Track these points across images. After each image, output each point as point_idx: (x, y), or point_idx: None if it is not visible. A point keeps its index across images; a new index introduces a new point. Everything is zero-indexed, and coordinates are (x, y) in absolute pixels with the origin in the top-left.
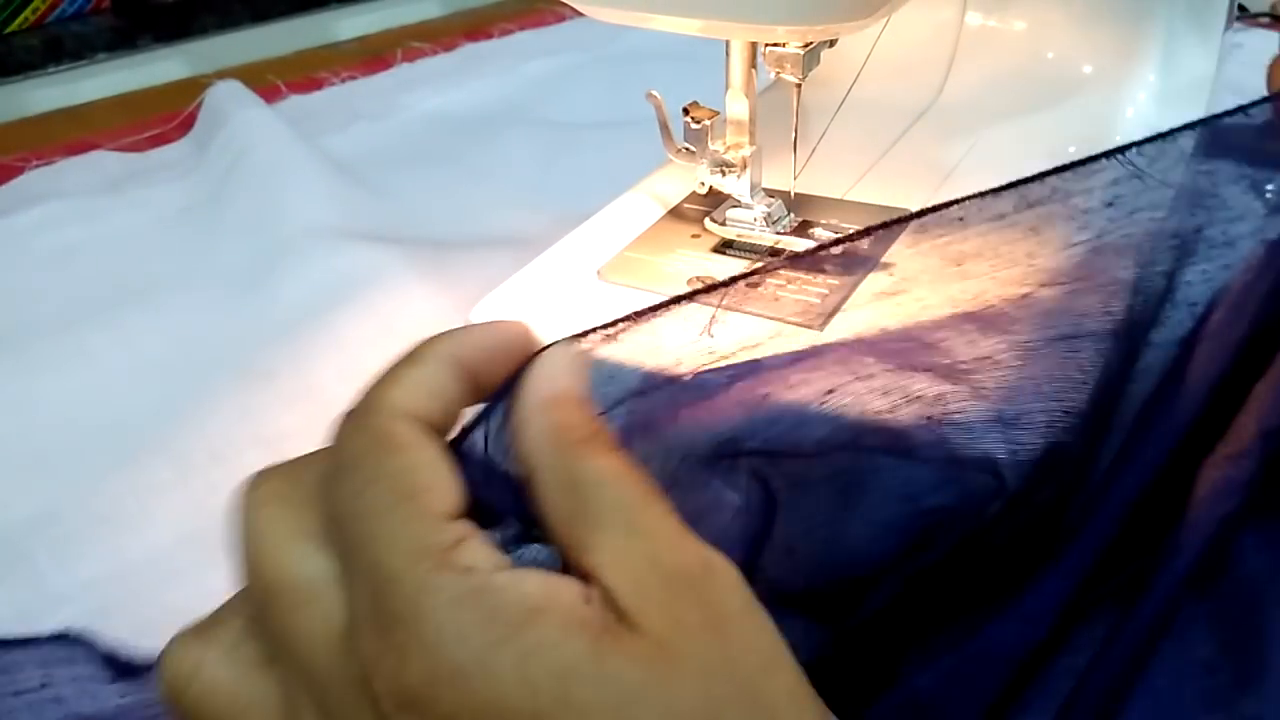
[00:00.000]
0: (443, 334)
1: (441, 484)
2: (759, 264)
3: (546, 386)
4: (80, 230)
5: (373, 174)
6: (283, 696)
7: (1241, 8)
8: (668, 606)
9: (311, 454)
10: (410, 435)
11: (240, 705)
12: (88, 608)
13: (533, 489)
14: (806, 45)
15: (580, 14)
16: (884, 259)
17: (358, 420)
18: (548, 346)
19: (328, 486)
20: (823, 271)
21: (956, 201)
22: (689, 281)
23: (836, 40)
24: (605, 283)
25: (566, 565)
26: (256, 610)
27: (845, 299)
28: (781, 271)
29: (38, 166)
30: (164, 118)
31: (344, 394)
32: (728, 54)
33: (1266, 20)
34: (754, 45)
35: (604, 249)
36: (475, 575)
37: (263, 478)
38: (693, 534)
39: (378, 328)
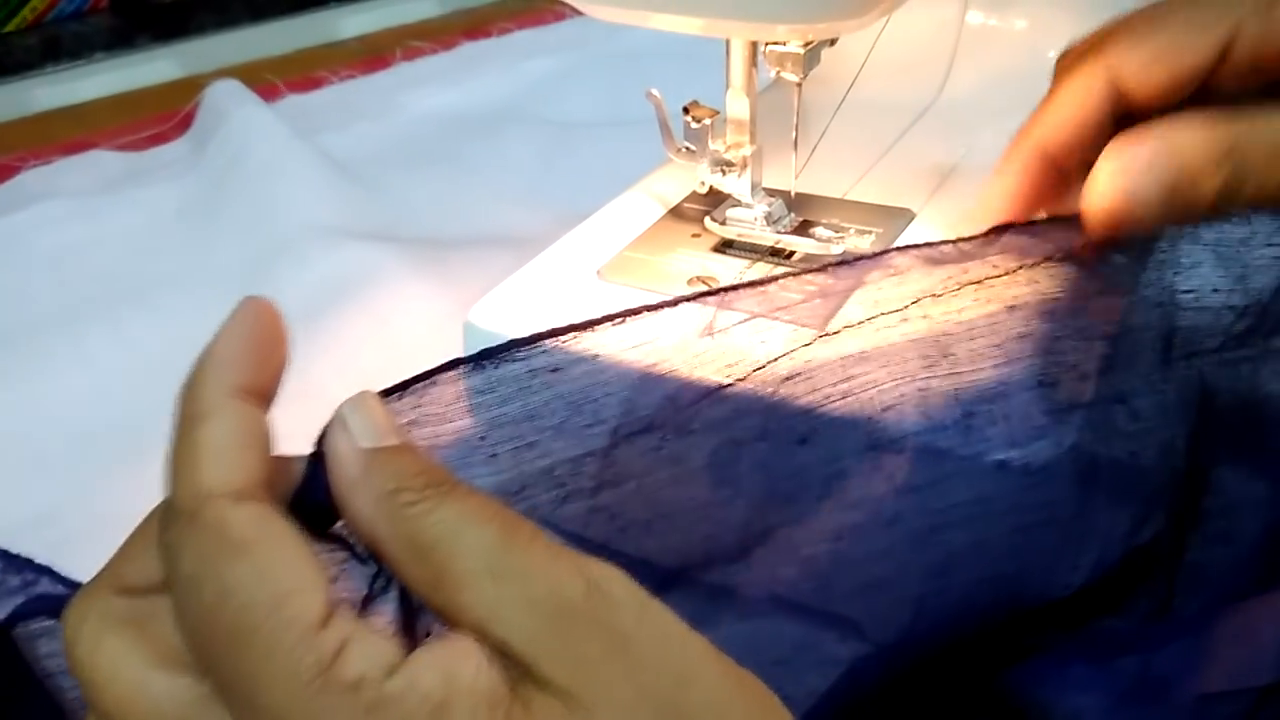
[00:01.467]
0: (201, 368)
1: (302, 579)
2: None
3: (352, 458)
4: (78, 229)
5: (371, 173)
6: None
7: None
8: (563, 646)
9: (127, 549)
10: (249, 525)
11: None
12: None
13: (385, 562)
14: (807, 44)
15: (580, 13)
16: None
17: (182, 521)
18: (342, 406)
19: (174, 602)
20: (823, 271)
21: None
22: (689, 282)
23: (837, 39)
24: (605, 282)
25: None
26: None
27: (846, 298)
28: (779, 270)
29: (36, 166)
30: (162, 117)
31: (341, 393)
32: (728, 53)
33: None
34: (754, 44)
35: (604, 248)
36: (366, 689)
37: (88, 600)
38: (566, 551)
39: (376, 327)
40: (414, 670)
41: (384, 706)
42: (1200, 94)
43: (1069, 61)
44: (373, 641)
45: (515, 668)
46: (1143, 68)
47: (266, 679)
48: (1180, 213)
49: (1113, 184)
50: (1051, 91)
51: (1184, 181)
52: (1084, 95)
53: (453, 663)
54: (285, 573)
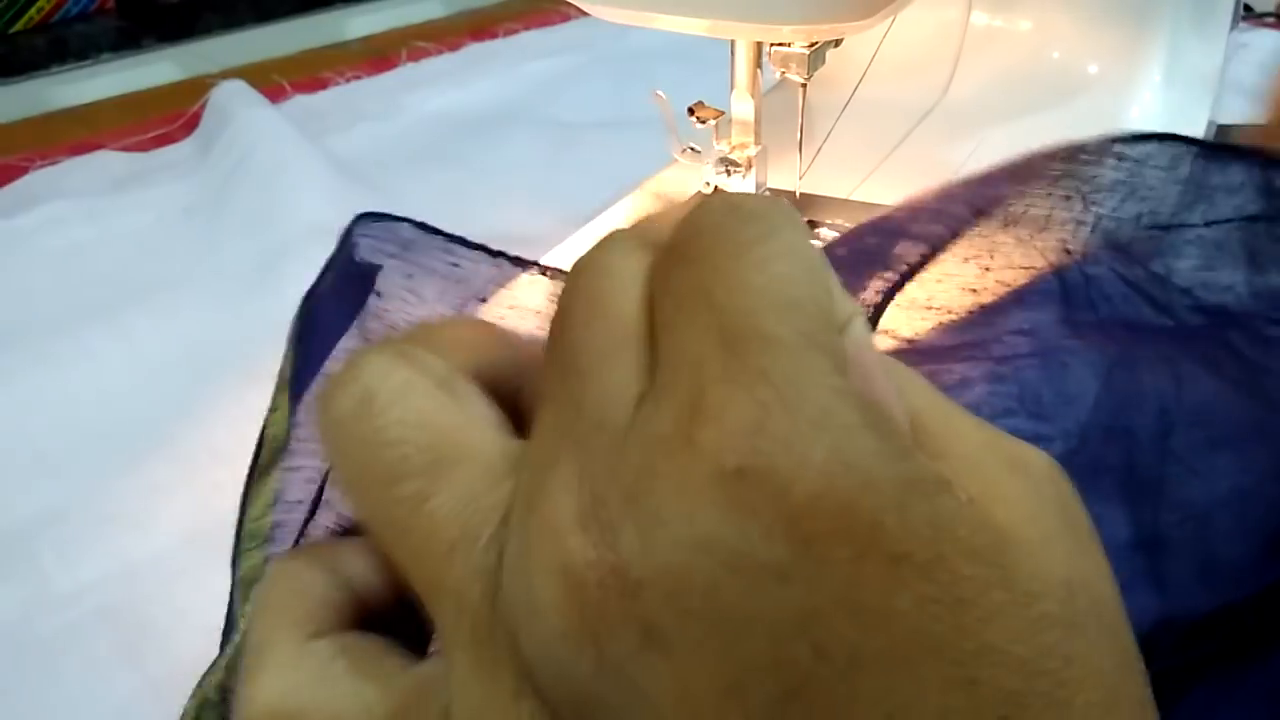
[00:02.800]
0: None
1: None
2: None
3: None
4: (84, 230)
5: (377, 174)
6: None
7: (1247, 7)
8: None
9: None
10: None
11: (449, 443)
12: (92, 607)
13: None
14: (812, 45)
15: (585, 13)
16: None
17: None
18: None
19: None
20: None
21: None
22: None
23: (842, 40)
24: None
25: None
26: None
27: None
28: None
29: (42, 166)
30: (168, 118)
31: None
32: (733, 54)
33: (1272, 20)
34: (759, 45)
35: None
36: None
37: (622, 231)
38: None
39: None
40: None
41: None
42: None
43: None
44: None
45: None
46: None
47: (764, 302)
48: None
49: None
50: None
51: None
52: None
53: None
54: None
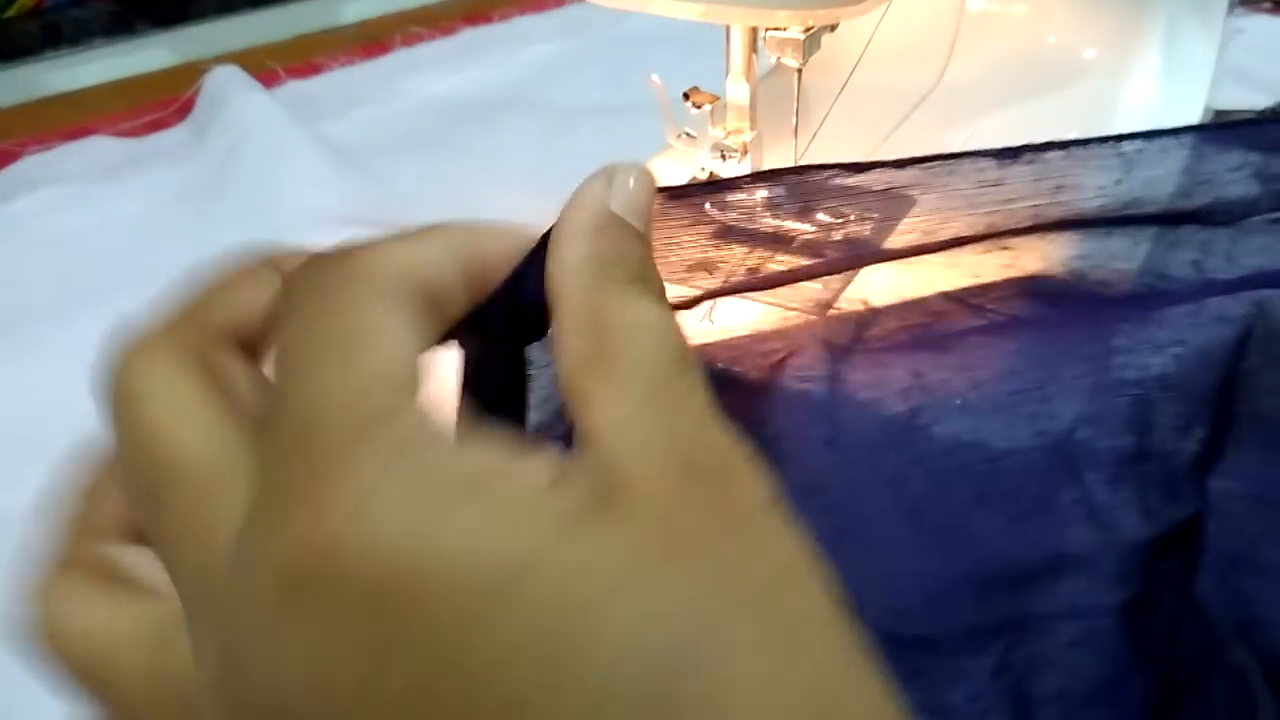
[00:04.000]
0: (463, 228)
1: (397, 347)
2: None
3: (594, 209)
4: (78, 216)
5: (372, 160)
6: (155, 625)
7: None
8: (674, 488)
9: (203, 295)
10: (378, 287)
11: (105, 650)
12: None
13: (553, 326)
14: (807, 30)
15: None
16: (885, 245)
17: (321, 262)
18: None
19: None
20: (823, 257)
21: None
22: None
23: (838, 25)
24: None
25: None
26: (135, 496)
27: (846, 286)
28: (779, 257)
29: (36, 152)
30: (162, 103)
31: None
32: (728, 39)
33: (1268, 5)
34: (755, 30)
35: None
36: (418, 437)
37: (149, 331)
38: (721, 420)
39: None
40: (474, 444)
41: (429, 455)
42: None
43: None
44: (434, 421)
45: (602, 488)
46: None
47: (326, 391)
48: None
49: None
50: None
51: None
52: None
53: (523, 456)
54: (389, 327)
